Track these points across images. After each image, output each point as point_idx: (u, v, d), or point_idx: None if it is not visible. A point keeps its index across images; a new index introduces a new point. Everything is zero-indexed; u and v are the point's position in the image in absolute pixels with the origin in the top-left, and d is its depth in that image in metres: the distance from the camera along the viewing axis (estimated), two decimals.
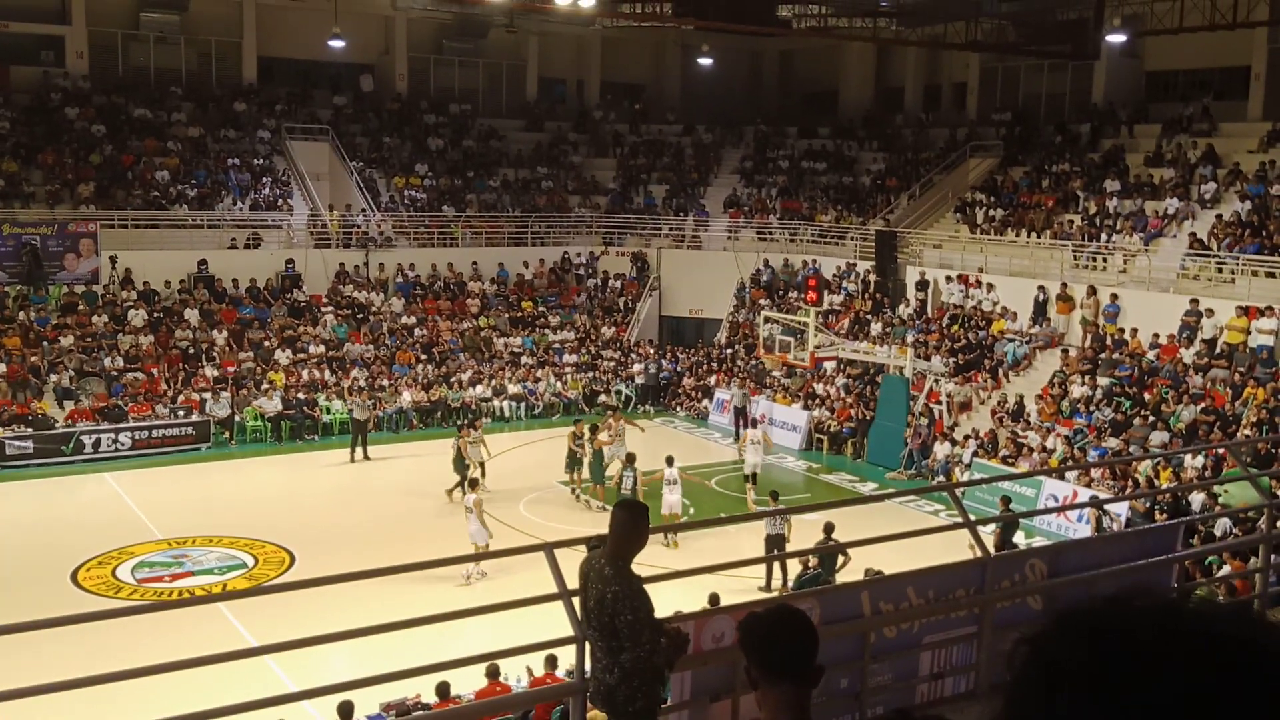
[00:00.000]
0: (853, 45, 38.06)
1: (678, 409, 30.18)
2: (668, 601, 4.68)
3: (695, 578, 6.05)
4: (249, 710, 4.45)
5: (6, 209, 28.53)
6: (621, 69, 42.75)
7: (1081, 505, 18.73)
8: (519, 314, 32.97)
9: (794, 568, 15.84)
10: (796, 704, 2.95)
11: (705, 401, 29.62)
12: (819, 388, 27.83)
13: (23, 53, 33.32)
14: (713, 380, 30.11)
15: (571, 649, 4.93)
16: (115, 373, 26.37)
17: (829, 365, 28.18)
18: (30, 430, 23.77)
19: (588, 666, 4.85)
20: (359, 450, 24.68)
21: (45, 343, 26.66)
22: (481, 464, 21.86)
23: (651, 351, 31.82)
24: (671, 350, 32.36)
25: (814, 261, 32.43)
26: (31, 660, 9.22)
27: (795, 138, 39.37)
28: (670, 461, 19.94)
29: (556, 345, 31.93)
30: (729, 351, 31.52)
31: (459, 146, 37.67)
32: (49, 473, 23.09)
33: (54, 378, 25.67)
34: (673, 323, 34.29)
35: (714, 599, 11.19)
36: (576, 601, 4.88)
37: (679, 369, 31.37)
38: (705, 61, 39.58)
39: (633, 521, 4.76)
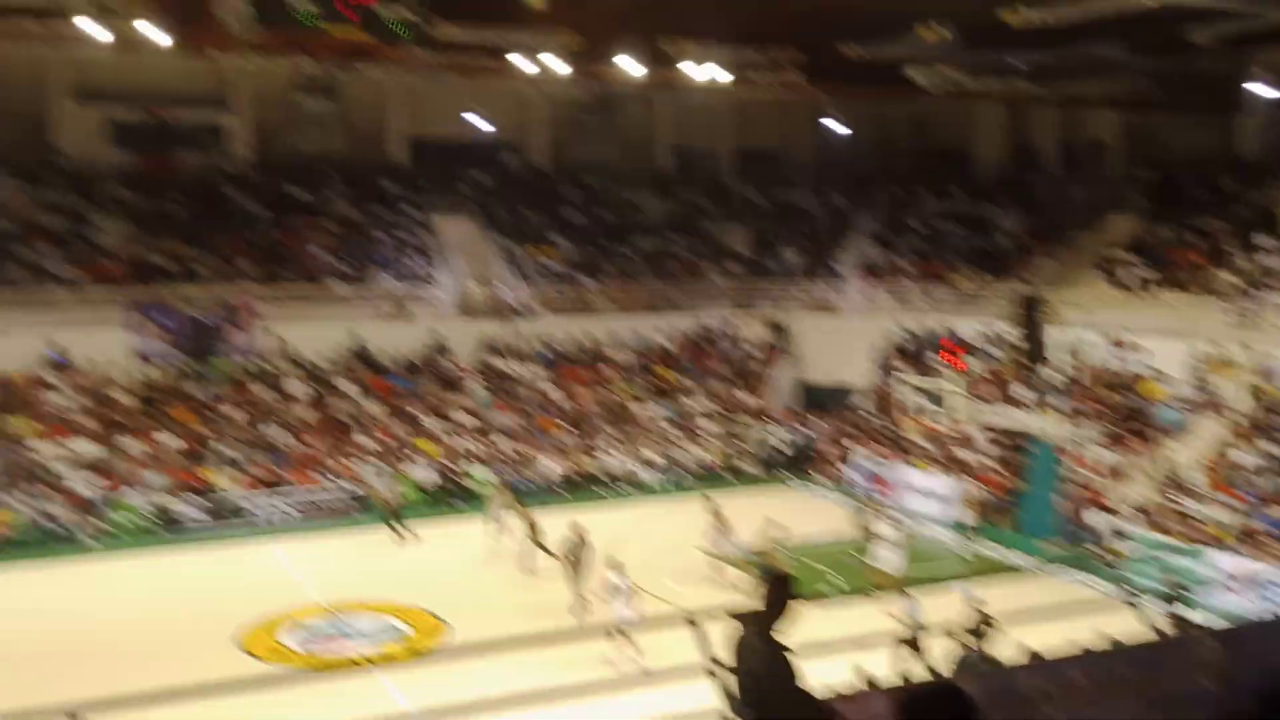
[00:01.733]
0: (985, 104, 37.80)
1: (817, 476, 30.04)
2: (818, 675, 4.74)
3: (848, 654, 6.01)
4: None
5: (177, 287, 30.28)
6: (753, 135, 43.19)
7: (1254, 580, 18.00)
8: (658, 382, 33.37)
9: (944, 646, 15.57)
10: None
11: (845, 468, 29.42)
12: (964, 454, 27.40)
13: (192, 141, 35.54)
14: (852, 446, 29.91)
15: None
16: (277, 443, 27.58)
17: (973, 431, 27.74)
18: (199, 499, 25.02)
19: None
20: (400, 528, 24.09)
21: (213, 415, 28.10)
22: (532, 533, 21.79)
23: (790, 417, 31.81)
24: (810, 416, 32.26)
25: (953, 324, 32.06)
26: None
27: (929, 199, 39.15)
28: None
29: (695, 412, 32.18)
30: (869, 417, 31.28)
31: (596, 217, 38.56)
32: (216, 540, 24.22)
33: (221, 448, 27.00)
34: (811, 389, 34.21)
35: (868, 677, 11.10)
36: (725, 675, 4.86)
37: (817, 435, 31.26)
38: (835, 126, 39.77)
39: (780, 592, 4.78)
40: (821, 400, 33.68)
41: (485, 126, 36.31)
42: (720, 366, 34.65)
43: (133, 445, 26.34)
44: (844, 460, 29.64)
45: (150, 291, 29.61)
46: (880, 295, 34.87)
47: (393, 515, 24.24)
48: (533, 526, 21.84)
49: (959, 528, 25.06)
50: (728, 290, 36.73)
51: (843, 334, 33.68)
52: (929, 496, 26.33)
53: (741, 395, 33.27)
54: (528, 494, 27.46)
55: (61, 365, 28.10)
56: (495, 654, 14.25)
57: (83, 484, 24.85)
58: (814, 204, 40.68)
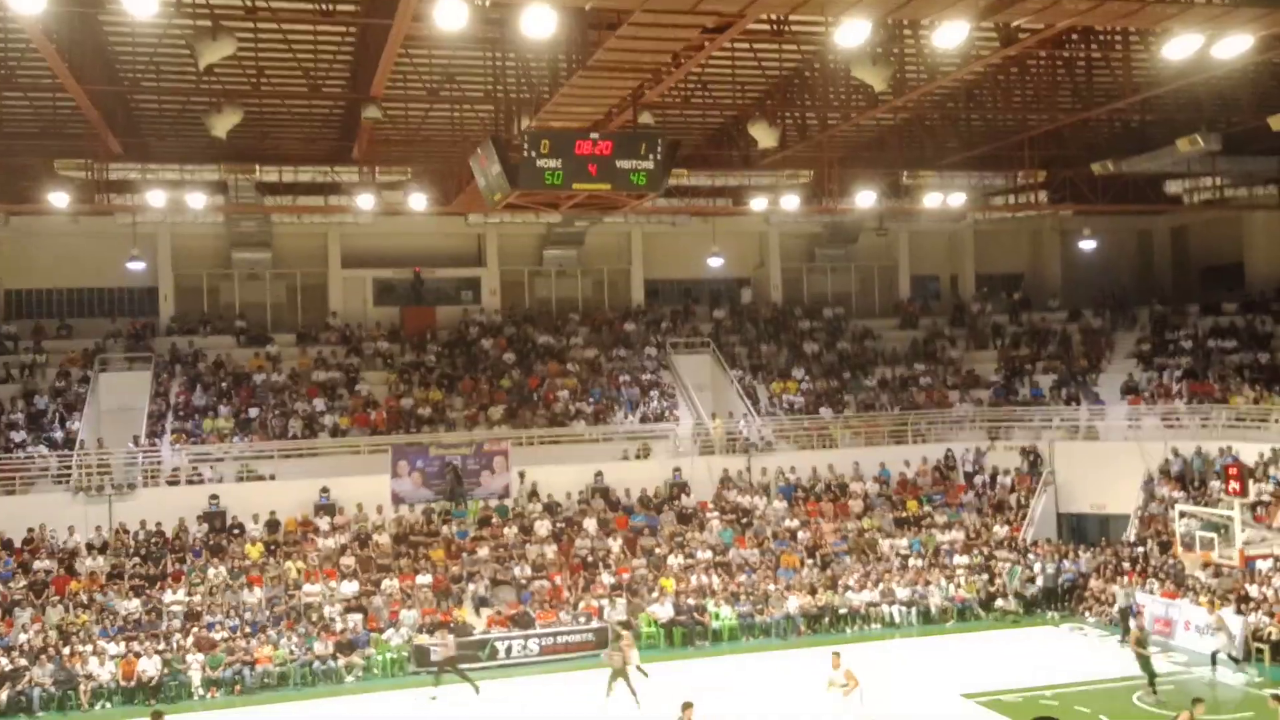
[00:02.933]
0: (1256, 213, 35.38)
1: (1085, 614, 27.82)
2: None
3: None
4: None
5: (433, 432, 31.92)
6: (996, 259, 42.15)
7: None
8: (904, 514, 32.14)
9: None
10: None
11: (1115, 605, 27.11)
12: (1252, 589, 24.76)
13: (447, 295, 38.14)
14: (1122, 581, 27.61)
15: None
16: (524, 581, 28.17)
17: (1263, 564, 25.07)
18: (451, 637, 25.70)
19: None
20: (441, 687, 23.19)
21: (464, 554, 29.09)
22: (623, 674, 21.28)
23: (1050, 551, 29.81)
24: (1073, 549, 30.12)
25: (1232, 448, 29.37)
26: None
27: (1197, 315, 36.69)
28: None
29: (945, 546, 30.70)
30: (1140, 550, 28.88)
31: (834, 349, 38.25)
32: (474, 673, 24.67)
33: (471, 587, 27.80)
34: (1072, 519, 32.04)
35: None
36: None
37: (1083, 569, 29.08)
38: (1087, 245, 38.16)
39: None
40: (1085, 531, 31.48)
41: (722, 264, 37.10)
42: (972, 498, 33.06)
43: (390, 585, 27.54)
44: (1113, 597, 27.33)
45: (409, 437, 31.33)
46: (1146, 418, 32.54)
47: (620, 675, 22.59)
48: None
49: (1246, 667, 22.56)
50: (978, 418, 35.27)
51: (1106, 460, 31.57)
52: (1211, 634, 23.80)
53: (996, 527, 31.51)
54: (768, 631, 26.87)
55: (329, 510, 29.94)
56: None
57: (345, 622, 26.07)
58: (1067, 326, 38.86)
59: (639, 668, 22.46)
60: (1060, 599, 28.44)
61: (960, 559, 29.98)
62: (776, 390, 35.97)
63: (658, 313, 38.81)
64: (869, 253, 41.08)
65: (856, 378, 36.84)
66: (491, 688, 23.98)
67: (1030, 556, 29.74)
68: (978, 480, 33.68)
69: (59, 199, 26.52)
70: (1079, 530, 31.72)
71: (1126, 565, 28.25)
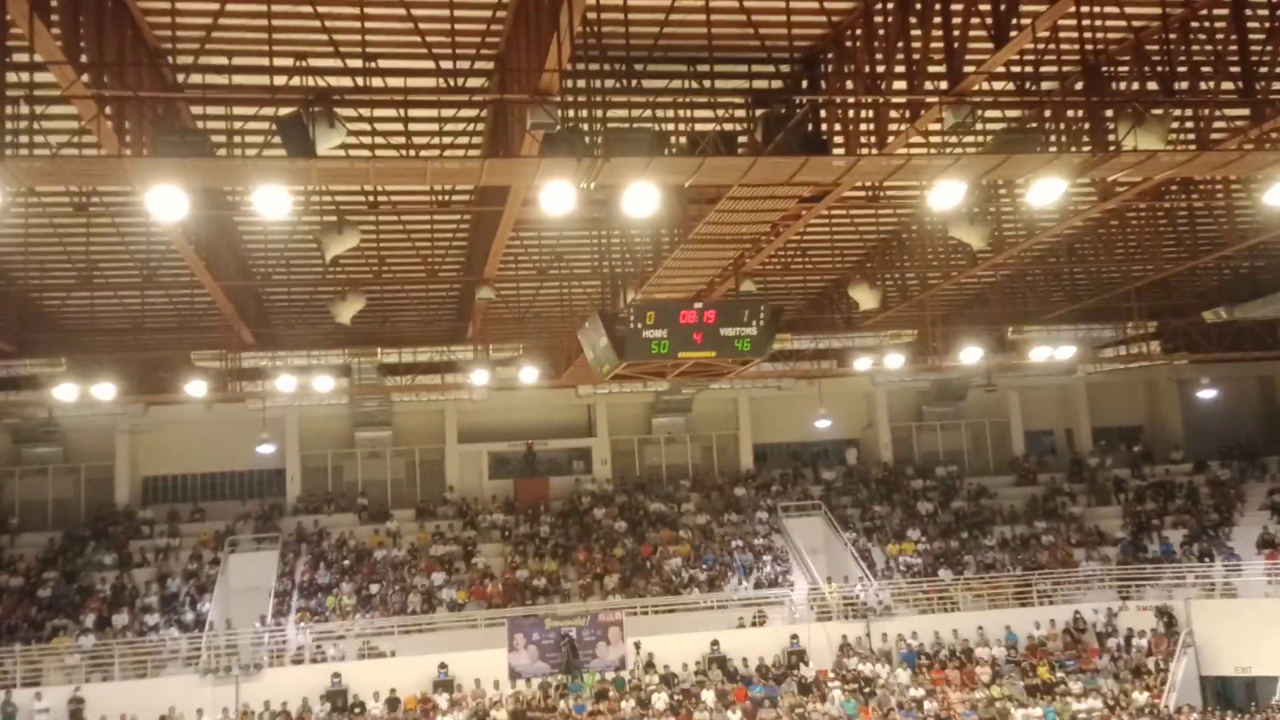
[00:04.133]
0: None
1: None
2: None
3: None
4: None
5: (548, 604, 31.96)
6: (1112, 411, 41.25)
7: None
8: (1035, 681, 30.75)
9: None
10: None
11: None
12: None
13: (560, 466, 38.79)
14: None
15: None
16: None
17: None
18: None
19: None
20: None
21: None
22: None
23: (1198, 719, 28.12)
24: (1221, 715, 28.36)
25: None
26: None
27: None
28: None
29: (1083, 715, 29.18)
30: None
31: (949, 508, 37.53)
32: None
33: None
34: (1216, 683, 30.22)
35: None
36: None
37: None
38: (1207, 394, 37.23)
39: None
40: (1230, 695, 29.65)
41: (830, 425, 37.13)
42: (1107, 662, 31.53)
43: None
44: None
45: (525, 610, 31.42)
46: None
47: None
48: None
49: None
50: (1106, 577, 33.96)
51: (1248, 619, 29.98)
52: None
53: (1135, 694, 29.90)
54: None
55: (447, 686, 29.95)
56: None
57: None
58: (1193, 478, 37.57)
59: None
60: None
61: None
62: (893, 552, 35.28)
63: (767, 476, 38.73)
64: (979, 409, 40.63)
65: (975, 537, 35.96)
66: None
67: None
68: (1111, 643, 32.18)
69: (196, 388, 27.97)
70: (1225, 694, 29.91)
71: None
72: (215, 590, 32.09)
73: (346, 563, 33.84)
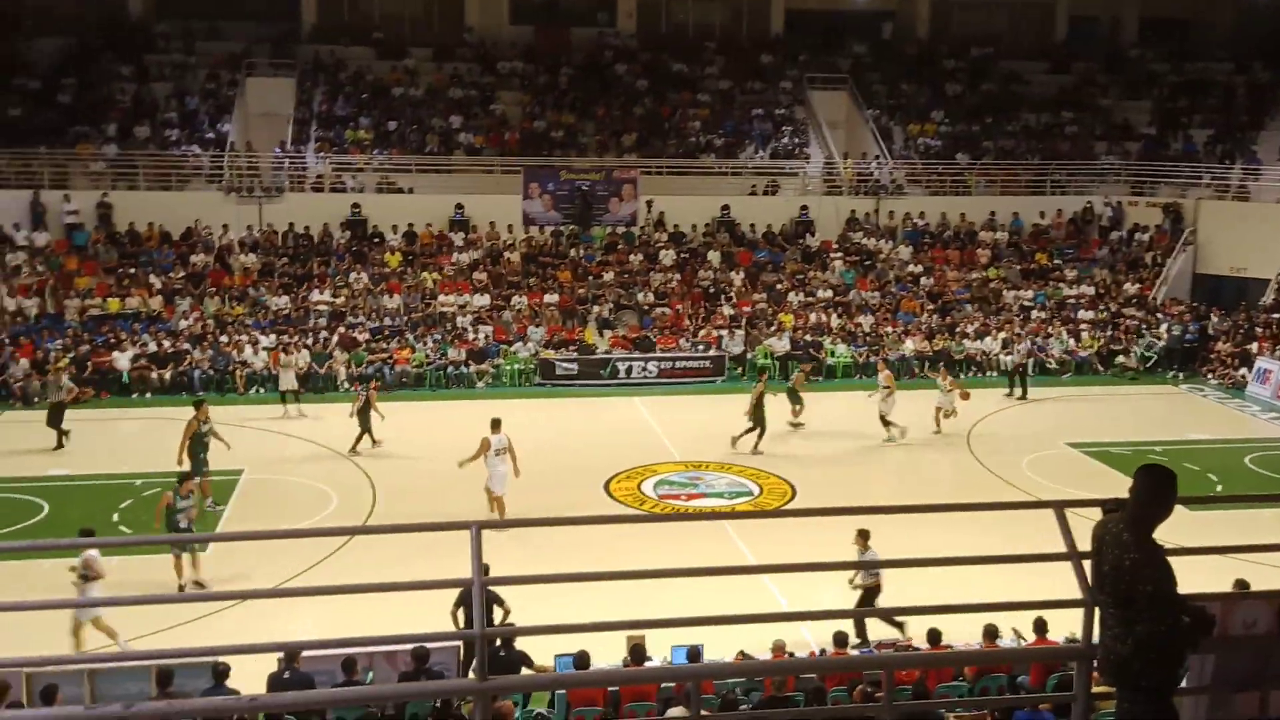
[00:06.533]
0: None
1: (1208, 376, 27.61)
2: (1186, 580, 4.49)
3: (1217, 559, 5.62)
4: (745, 623, 4.87)
5: (564, 157, 32.17)
6: (1163, 2, 39.16)
7: None
8: (1032, 266, 31.71)
9: None
10: None
11: (1243, 370, 26.84)
12: None
13: (582, 15, 37.26)
14: (1254, 347, 27.16)
15: (1071, 613, 4.81)
16: (646, 307, 29.00)
17: None
18: (575, 354, 26.92)
19: (1095, 633, 4.73)
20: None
21: (590, 277, 29.93)
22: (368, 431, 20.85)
23: (1181, 312, 29.28)
24: (1205, 311, 29.50)
25: None
26: (566, 552, 10.40)
27: None
28: (497, 426, 17.35)
29: (1071, 300, 30.37)
30: (1277, 316, 28.18)
31: (977, 91, 36.70)
32: (588, 392, 26.01)
33: (596, 309, 28.77)
34: (1209, 281, 31.18)
35: (1241, 583, 10.34)
36: (1086, 564, 4.68)
37: (1212, 332, 28.59)
38: None
39: (1158, 487, 4.45)
40: (1220, 294, 30.66)
41: None
42: (1106, 253, 32.32)
43: (519, 301, 28.66)
44: (1243, 362, 27.01)
45: (541, 160, 31.64)
46: None
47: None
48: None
49: None
50: (1123, 171, 33.94)
51: (1254, 223, 30.34)
52: None
53: (1127, 284, 30.94)
54: (898, 372, 27.22)
55: (463, 225, 30.86)
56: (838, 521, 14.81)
57: (476, 333, 27.44)
58: (1233, 78, 36.40)
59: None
60: (1186, 360, 28.17)
61: (1086, 314, 29.71)
62: (913, 132, 34.97)
63: (796, 45, 37.47)
64: None
65: (998, 122, 35.49)
66: (610, 404, 25.29)
67: (1159, 315, 29.31)
68: (1114, 236, 32.82)
69: None
70: (1215, 292, 30.88)
71: (1259, 330, 27.70)
72: (234, 112, 32.12)
73: (364, 97, 33.60)
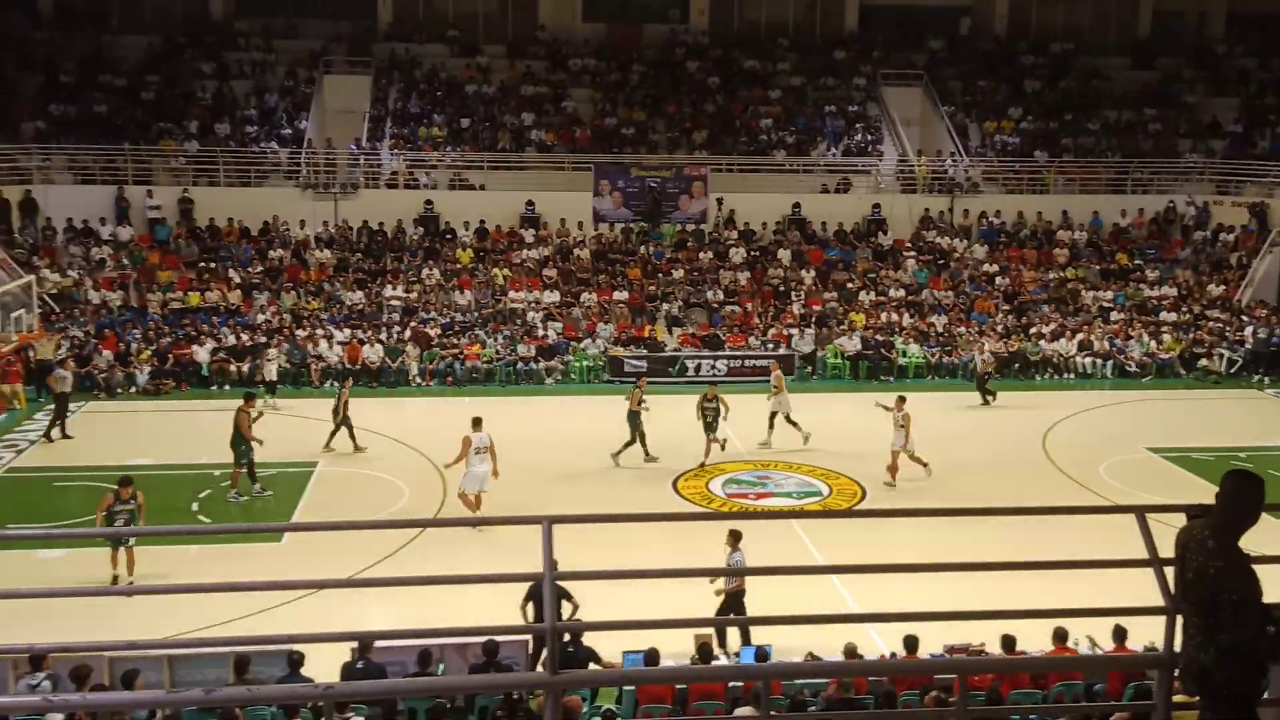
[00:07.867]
0: None
1: None
2: (1272, 589, 4.36)
3: None
4: (811, 623, 4.80)
5: (634, 154, 32.21)
6: None
7: None
8: (1112, 266, 31.04)
9: None
10: None
11: None
12: None
13: (654, 12, 37.25)
14: None
15: (1151, 620, 4.70)
16: (716, 304, 28.91)
17: None
18: (644, 351, 26.93)
19: (1177, 641, 4.63)
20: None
21: (659, 275, 29.93)
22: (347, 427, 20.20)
23: (1267, 315, 28.46)
24: None
25: None
26: (632, 550, 10.33)
27: None
28: (479, 424, 17.03)
29: (1153, 301, 29.68)
30: None
31: (1057, 88, 36.02)
32: (656, 390, 25.92)
33: (665, 306, 28.75)
34: None
35: None
36: (1169, 571, 4.60)
37: None
38: None
39: (1246, 493, 4.31)
40: None
41: None
42: (1189, 254, 31.52)
43: (589, 298, 28.75)
44: None
45: (612, 157, 31.72)
46: None
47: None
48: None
49: None
50: (1207, 170, 33.08)
51: None
52: None
53: (1211, 286, 30.15)
54: (954, 372, 26.90)
55: (534, 222, 31.04)
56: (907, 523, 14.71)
57: (546, 329, 27.58)
58: None
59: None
60: (1271, 364, 27.37)
61: (1167, 316, 29.02)
62: (990, 129, 34.44)
63: (871, 41, 37.11)
64: None
65: (1078, 119, 34.78)
66: (680, 401, 25.19)
67: (1244, 318, 28.52)
68: (1198, 236, 32.00)
69: None
70: None
71: None
72: (311, 109, 32.66)
73: (438, 95, 33.95)
